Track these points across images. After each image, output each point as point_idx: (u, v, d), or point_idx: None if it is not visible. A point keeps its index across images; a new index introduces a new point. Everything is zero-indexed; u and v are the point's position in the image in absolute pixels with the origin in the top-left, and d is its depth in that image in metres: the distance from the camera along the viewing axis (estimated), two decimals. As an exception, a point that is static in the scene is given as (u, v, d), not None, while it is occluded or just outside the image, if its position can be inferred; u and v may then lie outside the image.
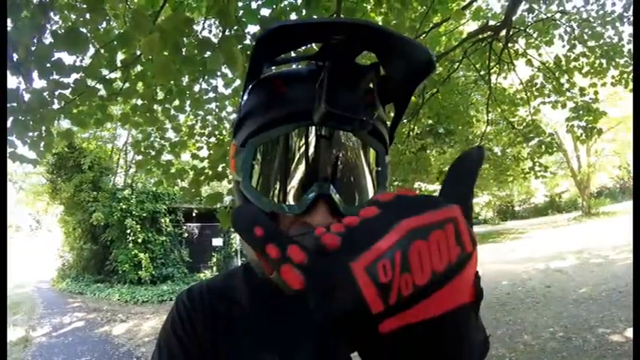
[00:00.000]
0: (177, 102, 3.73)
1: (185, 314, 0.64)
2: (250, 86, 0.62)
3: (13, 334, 6.55)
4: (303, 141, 0.57)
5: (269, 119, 0.57)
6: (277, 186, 0.58)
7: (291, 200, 0.56)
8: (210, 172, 3.80)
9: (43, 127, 2.90)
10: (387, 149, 0.63)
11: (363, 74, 0.56)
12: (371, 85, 0.57)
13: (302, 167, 0.57)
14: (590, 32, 6.10)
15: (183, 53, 2.62)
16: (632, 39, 5.90)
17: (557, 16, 6.07)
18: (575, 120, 6.15)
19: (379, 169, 0.61)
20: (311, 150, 0.56)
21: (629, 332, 4.37)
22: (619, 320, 4.84)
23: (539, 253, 11.60)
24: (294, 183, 0.57)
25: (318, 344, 0.63)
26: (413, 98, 5.12)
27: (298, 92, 0.58)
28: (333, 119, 0.54)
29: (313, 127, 0.56)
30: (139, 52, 2.75)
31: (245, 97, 0.63)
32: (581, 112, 6.06)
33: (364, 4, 3.76)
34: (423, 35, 4.57)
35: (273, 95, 0.59)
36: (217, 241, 12.54)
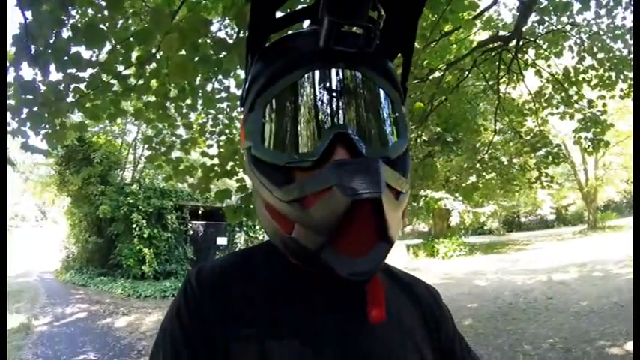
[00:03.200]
0: (189, 100, 3.79)
1: (192, 299, 0.58)
2: (256, 58, 0.61)
3: (14, 320, 6.60)
4: (311, 85, 0.55)
5: (273, 73, 0.56)
6: (290, 137, 0.55)
7: (306, 148, 0.53)
8: (220, 170, 3.86)
9: (57, 120, 2.96)
10: (402, 98, 0.61)
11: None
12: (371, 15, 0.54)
13: (314, 112, 0.54)
14: (599, 45, 6.10)
15: (199, 53, 2.68)
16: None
17: (568, 27, 6.08)
18: (582, 131, 6.15)
19: (397, 115, 0.59)
20: (321, 93, 0.54)
21: (629, 345, 4.35)
22: (619, 333, 4.82)
23: (542, 264, 11.52)
24: (307, 131, 0.54)
25: (342, 329, 0.57)
26: (421, 104, 5.16)
27: (299, 41, 0.57)
28: (337, 39, 0.51)
29: (318, 72, 0.54)
30: (154, 50, 2.81)
31: (251, 68, 0.61)
32: (588, 123, 6.07)
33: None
34: (434, 43, 4.60)
35: (276, 52, 0.58)
36: (222, 240, 12.60)
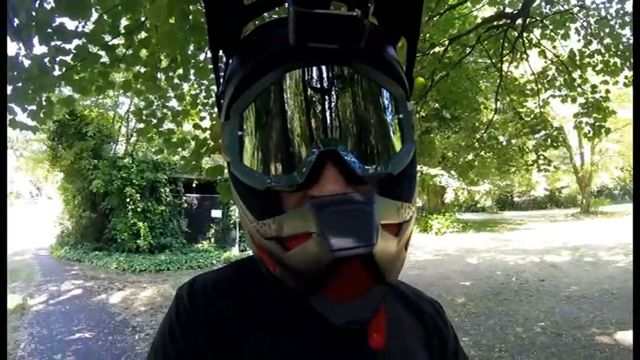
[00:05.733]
0: (181, 70, 3.66)
1: (185, 317, 0.53)
2: (230, 54, 0.52)
3: (10, 301, 6.52)
4: (292, 89, 0.45)
5: (245, 76, 0.47)
6: (270, 155, 0.47)
7: (290, 169, 0.45)
8: (213, 144, 3.75)
9: (43, 95, 2.85)
10: (407, 93, 0.51)
11: None
12: None
13: (294, 124, 0.45)
14: (607, 30, 5.95)
15: (190, 21, 2.54)
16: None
17: (576, 10, 5.91)
18: (583, 116, 6.07)
19: (400, 116, 0.49)
20: (301, 99, 0.45)
21: (619, 335, 4.39)
22: (609, 322, 4.86)
23: (534, 245, 11.66)
24: (288, 147, 0.45)
25: (342, 357, 0.51)
26: (422, 79, 5.01)
27: (275, 34, 0.47)
28: (314, 31, 0.40)
29: (295, 74, 0.45)
30: (143, 18, 2.67)
31: (226, 66, 0.53)
32: (590, 108, 5.98)
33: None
34: (437, 17, 4.45)
35: (249, 49, 0.49)
36: (216, 213, 12.51)
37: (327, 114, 0.44)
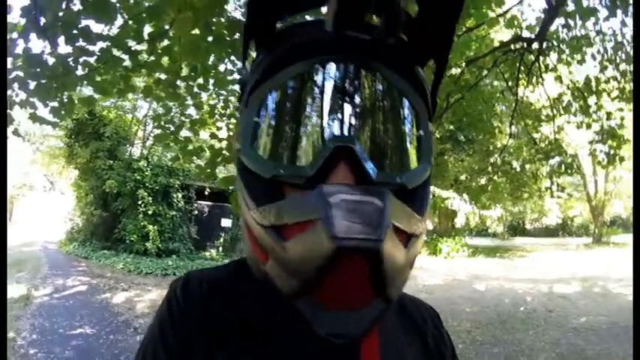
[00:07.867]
0: (201, 80, 3.72)
1: (178, 317, 0.49)
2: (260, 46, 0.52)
3: (15, 290, 6.61)
4: (313, 82, 0.45)
5: (271, 64, 0.47)
6: (282, 145, 0.46)
7: (300, 161, 0.44)
8: (228, 154, 3.79)
9: (65, 93, 2.92)
10: (429, 113, 0.50)
11: None
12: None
13: (313, 117, 0.44)
14: (623, 56, 5.91)
15: (213, 33, 2.60)
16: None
17: (592, 34, 5.89)
18: (598, 143, 6.00)
19: (421, 133, 0.48)
20: (325, 93, 0.44)
21: (624, 371, 4.28)
22: (616, 356, 4.74)
23: (544, 274, 11.42)
24: (303, 139, 0.44)
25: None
26: (438, 101, 5.01)
27: (310, 28, 0.48)
28: (351, 27, 0.43)
29: (323, 65, 0.45)
30: (167, 27, 2.74)
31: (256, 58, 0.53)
32: (605, 135, 5.91)
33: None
34: (455, 39, 4.47)
35: (280, 40, 0.49)
36: (226, 222, 12.54)
37: (349, 112, 0.44)
